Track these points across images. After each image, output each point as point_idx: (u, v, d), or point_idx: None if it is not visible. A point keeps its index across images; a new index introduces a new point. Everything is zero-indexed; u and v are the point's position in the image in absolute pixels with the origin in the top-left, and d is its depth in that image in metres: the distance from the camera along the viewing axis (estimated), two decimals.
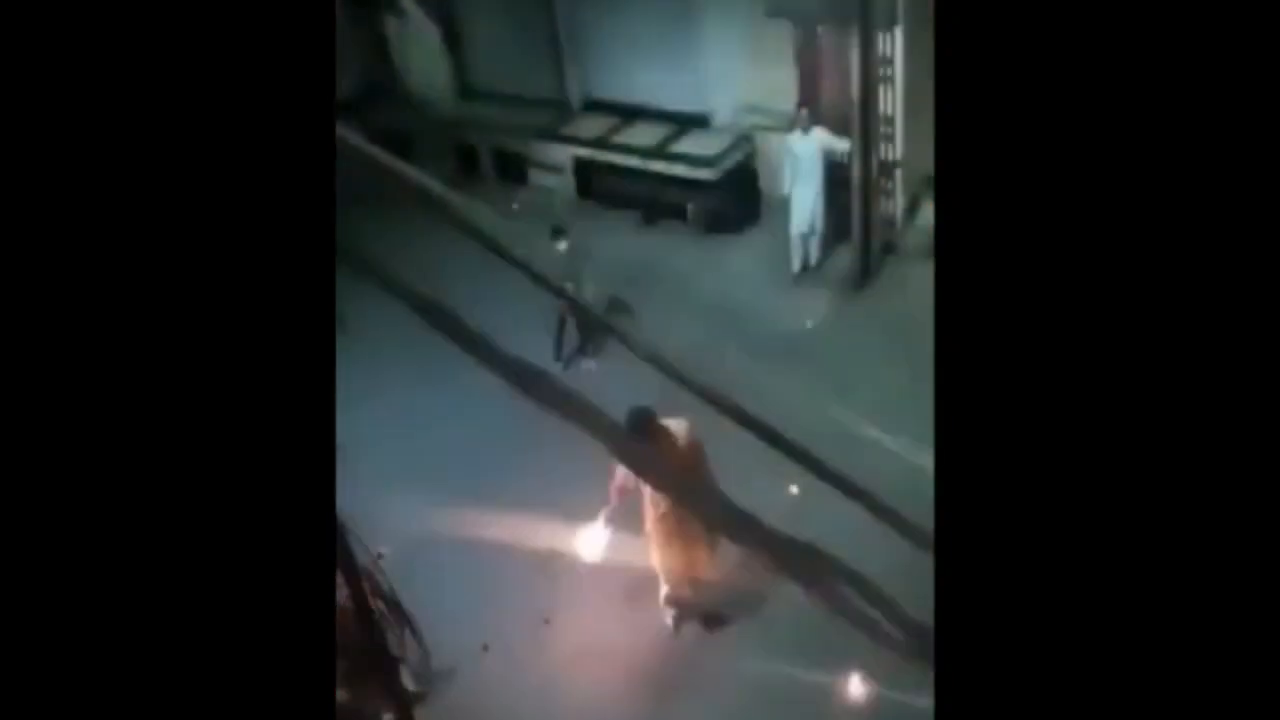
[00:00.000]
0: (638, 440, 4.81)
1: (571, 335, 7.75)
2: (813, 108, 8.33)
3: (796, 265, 8.90)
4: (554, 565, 6.06)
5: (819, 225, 8.61)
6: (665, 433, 5.00)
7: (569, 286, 7.19)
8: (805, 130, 8.24)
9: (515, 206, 10.79)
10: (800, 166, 8.34)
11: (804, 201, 8.47)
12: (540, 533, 6.22)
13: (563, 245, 7.57)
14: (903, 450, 5.91)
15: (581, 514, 5.84)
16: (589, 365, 7.66)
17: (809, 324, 8.34)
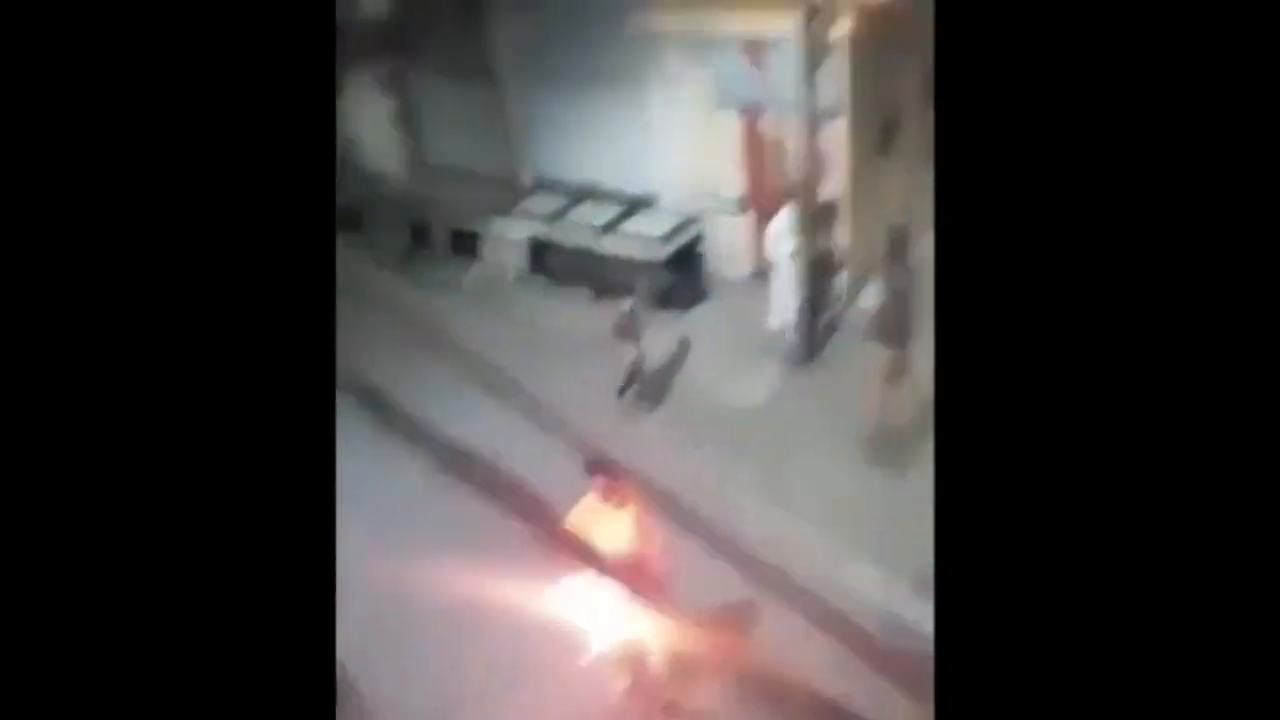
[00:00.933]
0: (596, 478, 4.90)
1: (639, 378, 8.47)
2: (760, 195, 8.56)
3: (776, 324, 9.17)
4: (522, 620, 5.99)
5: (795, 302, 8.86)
6: (616, 492, 5.03)
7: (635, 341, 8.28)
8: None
9: (465, 284, 10.81)
10: (782, 248, 8.67)
11: (783, 281, 8.83)
12: (508, 585, 6.15)
13: (628, 305, 8.28)
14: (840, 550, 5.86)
15: (546, 569, 5.77)
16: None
17: (758, 400, 8.44)
